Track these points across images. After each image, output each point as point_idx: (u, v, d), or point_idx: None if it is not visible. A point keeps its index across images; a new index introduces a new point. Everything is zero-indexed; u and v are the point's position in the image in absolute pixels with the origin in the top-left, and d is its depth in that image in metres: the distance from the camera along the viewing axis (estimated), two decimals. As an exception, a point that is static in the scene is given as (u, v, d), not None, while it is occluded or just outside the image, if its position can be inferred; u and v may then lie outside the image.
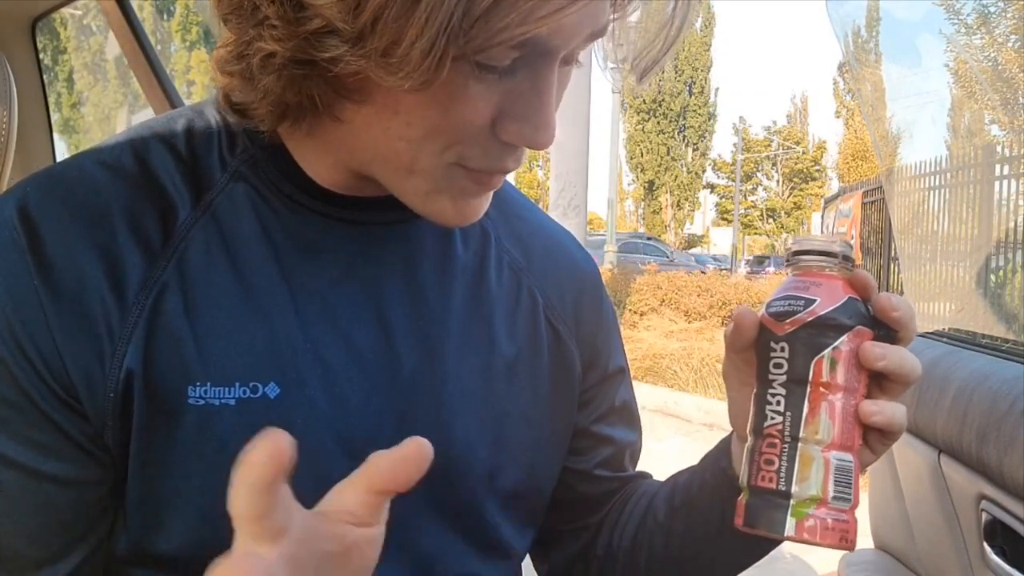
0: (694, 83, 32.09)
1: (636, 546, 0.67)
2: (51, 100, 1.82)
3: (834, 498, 0.47)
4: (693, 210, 35.07)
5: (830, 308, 0.48)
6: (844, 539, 0.47)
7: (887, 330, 0.50)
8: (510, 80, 0.46)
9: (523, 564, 0.69)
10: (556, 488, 0.67)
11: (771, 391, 0.49)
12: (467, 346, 0.60)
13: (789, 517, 0.47)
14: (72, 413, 0.49)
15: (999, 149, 4.60)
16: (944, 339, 1.40)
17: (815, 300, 0.48)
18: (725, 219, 37.12)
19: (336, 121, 0.50)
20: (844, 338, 0.48)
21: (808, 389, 0.48)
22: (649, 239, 22.59)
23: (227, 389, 0.50)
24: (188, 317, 0.51)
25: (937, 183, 5.57)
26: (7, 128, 1.40)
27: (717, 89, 41.09)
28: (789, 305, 0.49)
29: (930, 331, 1.53)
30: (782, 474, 0.48)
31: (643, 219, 34.61)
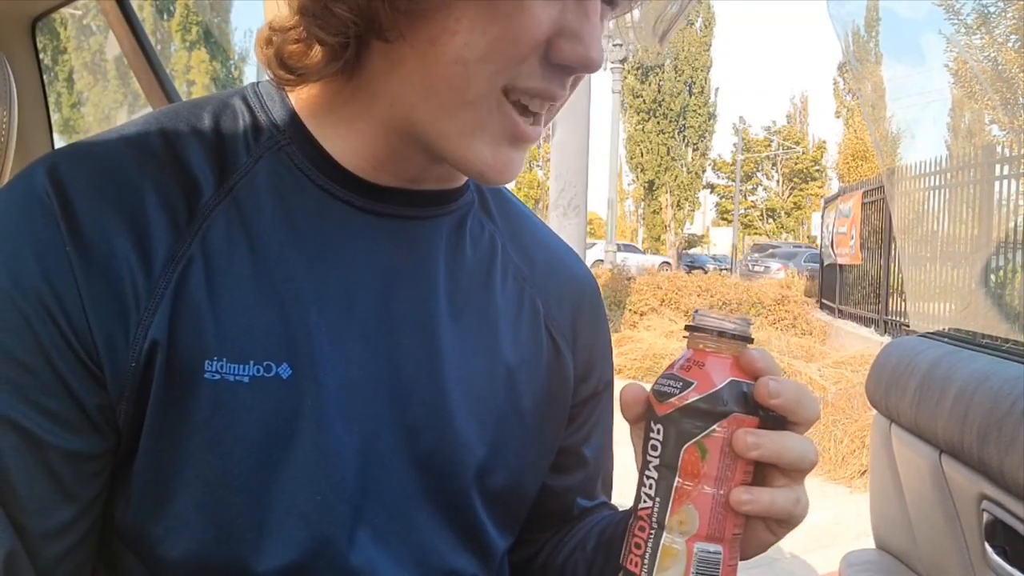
0: (694, 83, 32.07)
1: (563, 569, 0.69)
2: (51, 100, 1.81)
3: None
4: (693, 210, 35.06)
5: (705, 393, 0.46)
6: None
7: (779, 415, 0.47)
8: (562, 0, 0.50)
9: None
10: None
11: (647, 473, 0.48)
12: (472, 348, 0.60)
13: None
14: (90, 380, 0.49)
15: (999, 149, 4.60)
16: (945, 339, 1.40)
17: (692, 383, 0.47)
18: (725, 219, 37.10)
19: (384, 63, 0.52)
20: (716, 426, 0.46)
21: (677, 477, 0.46)
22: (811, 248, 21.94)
23: (242, 366, 0.51)
24: (209, 294, 0.52)
25: (938, 183, 5.56)
26: (7, 128, 1.40)
27: (717, 89, 41.13)
28: (669, 385, 0.48)
29: (931, 331, 1.53)
30: (646, 560, 0.46)
31: (643, 219, 34.62)
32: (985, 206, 4.67)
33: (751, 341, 0.48)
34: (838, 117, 29.53)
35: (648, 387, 0.51)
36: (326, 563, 0.53)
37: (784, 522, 0.49)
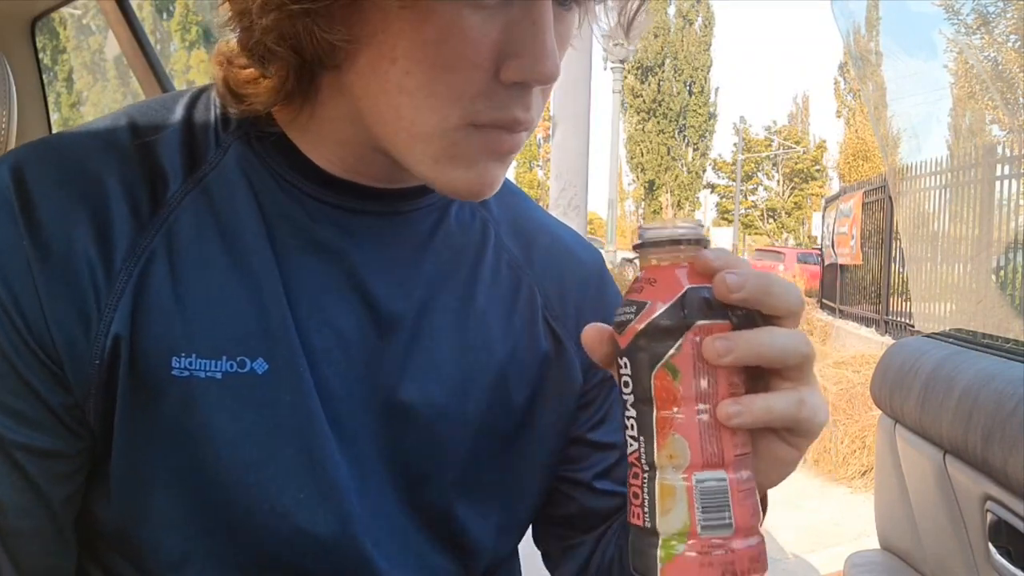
0: (694, 83, 32.09)
1: (611, 568, 0.65)
2: (50, 100, 1.81)
3: (704, 528, 0.40)
4: (693, 210, 35.06)
5: (661, 309, 0.41)
6: (729, 573, 0.40)
7: (752, 312, 0.42)
8: (505, 14, 0.46)
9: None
10: (558, 502, 0.66)
11: (626, 414, 0.43)
12: (456, 344, 0.59)
13: (659, 558, 0.40)
14: (53, 381, 0.49)
15: (999, 149, 4.60)
16: (950, 340, 1.40)
17: (646, 303, 0.42)
18: (726, 219, 37.10)
19: (335, 91, 0.51)
20: (682, 340, 0.41)
21: (654, 408, 0.41)
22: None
23: (214, 362, 0.50)
24: (175, 287, 0.50)
25: (942, 182, 5.56)
26: (6, 128, 1.39)
27: (717, 89, 41.10)
28: (624, 313, 0.43)
29: (936, 332, 1.52)
30: (646, 509, 0.41)
31: (643, 219, 34.61)
32: (987, 206, 4.67)
33: (706, 244, 0.43)
34: (839, 117, 29.53)
35: None
36: (311, 559, 0.53)
37: (795, 430, 0.44)
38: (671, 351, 0.41)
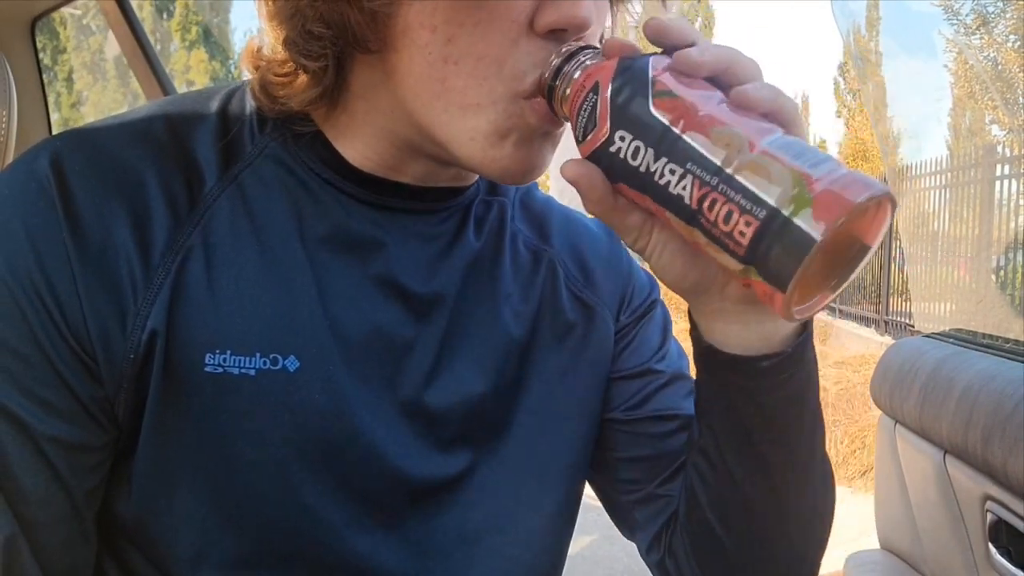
0: (694, 83, 32.05)
1: (689, 486, 0.60)
2: (50, 100, 1.81)
3: (812, 166, 0.37)
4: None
5: (615, 70, 0.42)
6: (865, 184, 0.36)
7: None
8: None
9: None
10: (614, 448, 0.65)
11: (657, 178, 0.40)
12: (492, 332, 0.59)
13: (800, 221, 0.36)
14: (85, 374, 0.48)
15: (999, 149, 4.59)
16: (950, 340, 1.40)
17: (596, 81, 0.42)
18: (725, 219, 37.00)
19: (374, 82, 0.51)
20: (649, 74, 0.41)
21: (679, 129, 0.39)
22: None
23: (247, 359, 0.50)
24: (210, 284, 0.51)
25: (943, 182, 5.55)
26: (6, 128, 1.40)
27: (717, 89, 40.95)
28: (585, 112, 0.43)
29: (936, 332, 1.53)
30: (749, 206, 0.37)
31: (643, 219, 34.52)
32: (986, 206, 4.67)
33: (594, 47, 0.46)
34: (839, 117, 29.51)
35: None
36: (327, 550, 0.53)
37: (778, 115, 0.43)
38: (650, 85, 0.41)
